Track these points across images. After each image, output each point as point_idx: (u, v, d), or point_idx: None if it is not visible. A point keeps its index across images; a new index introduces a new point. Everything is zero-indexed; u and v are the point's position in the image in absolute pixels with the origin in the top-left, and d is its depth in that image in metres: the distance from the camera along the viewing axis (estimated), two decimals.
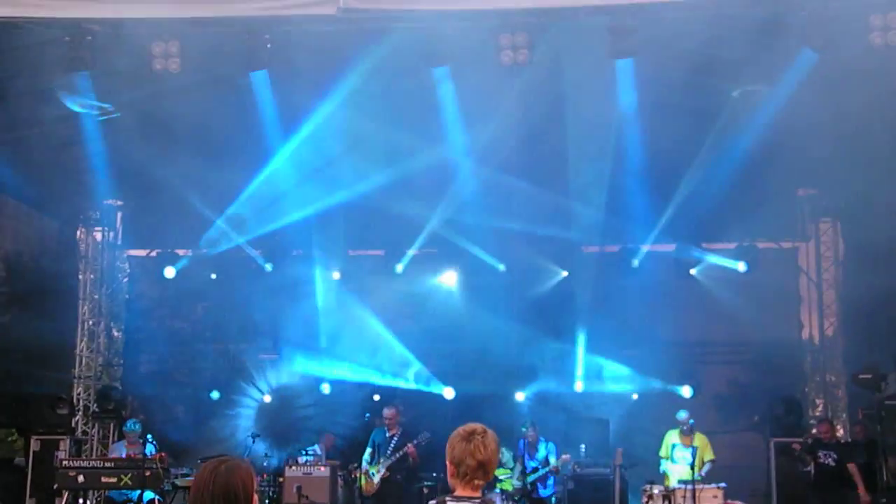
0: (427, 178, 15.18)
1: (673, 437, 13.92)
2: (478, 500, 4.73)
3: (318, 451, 15.13)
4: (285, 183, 15.02)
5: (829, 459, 13.36)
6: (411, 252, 17.18)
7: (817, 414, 17.06)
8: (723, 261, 16.75)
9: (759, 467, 15.71)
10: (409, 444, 13.85)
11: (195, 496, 4.30)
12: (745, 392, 17.46)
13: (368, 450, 14.18)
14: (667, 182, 15.28)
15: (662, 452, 13.93)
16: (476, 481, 4.75)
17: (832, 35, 11.44)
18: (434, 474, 14.14)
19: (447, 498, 4.79)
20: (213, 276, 17.48)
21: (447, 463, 4.80)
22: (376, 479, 13.91)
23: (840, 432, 16.71)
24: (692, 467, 13.04)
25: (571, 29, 11.61)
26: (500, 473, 14.75)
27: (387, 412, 14.38)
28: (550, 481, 14.36)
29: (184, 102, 13.20)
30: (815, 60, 11.90)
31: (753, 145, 13.81)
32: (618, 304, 16.65)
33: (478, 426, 4.81)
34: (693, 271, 17.08)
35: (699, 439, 13.80)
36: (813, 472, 13.56)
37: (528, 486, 14.13)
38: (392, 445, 13.99)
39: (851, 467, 13.29)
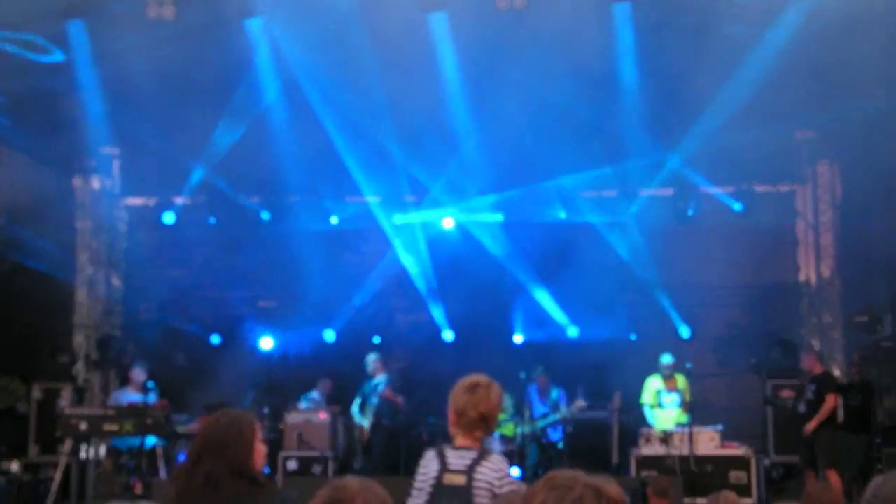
0: (425, 124, 15.16)
1: (656, 382, 14.01)
2: (476, 451, 4.77)
3: (317, 397, 15.24)
4: (280, 129, 14.97)
5: (810, 393, 13.17)
6: (412, 200, 17.18)
7: None
8: (726, 194, 16.72)
9: (756, 409, 15.83)
10: (385, 388, 14.04)
11: (200, 447, 4.36)
12: (742, 334, 17.51)
13: (357, 400, 14.33)
14: (664, 127, 15.22)
15: (647, 399, 14.00)
16: (477, 433, 4.81)
17: None
18: (432, 420, 14.25)
19: (446, 446, 4.84)
20: (213, 220, 17.45)
21: (450, 412, 4.85)
22: (366, 427, 14.09)
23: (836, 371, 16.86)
24: (681, 409, 13.18)
25: None
26: (499, 418, 14.88)
27: (369, 360, 14.51)
28: (560, 426, 14.53)
29: (179, 50, 13.12)
30: (815, 2, 11.88)
31: (751, 88, 13.77)
32: (615, 249, 16.70)
33: (482, 378, 4.86)
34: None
35: (682, 381, 13.91)
36: (803, 409, 13.53)
37: (539, 431, 14.29)
38: (377, 392, 14.17)
39: (828, 397, 12.87)
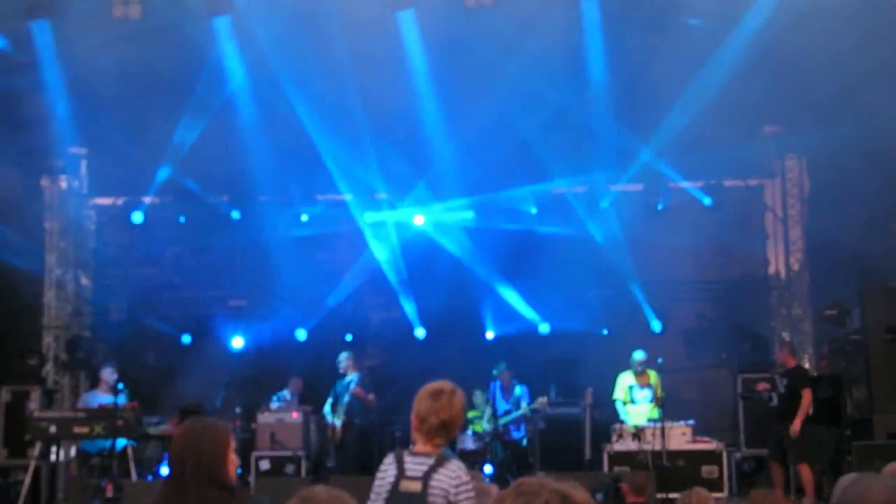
0: (394, 120, 15.16)
1: (628, 378, 14.03)
2: (434, 458, 4.76)
3: (288, 396, 15.20)
4: (249, 128, 14.93)
5: (781, 386, 13.12)
6: (383, 196, 17.17)
7: None
8: (695, 188, 16.79)
9: (727, 403, 15.92)
10: (355, 386, 14.05)
11: (173, 458, 4.35)
12: (713, 328, 17.60)
13: (329, 400, 14.31)
14: (634, 122, 15.28)
15: (620, 395, 14.03)
16: (437, 439, 4.80)
17: None
18: (404, 418, 14.23)
19: (405, 452, 4.84)
20: (182, 219, 17.37)
21: (412, 417, 4.84)
22: (338, 426, 14.08)
23: (806, 364, 16.99)
24: (653, 404, 13.23)
25: None
26: (472, 415, 14.92)
27: (340, 359, 14.51)
28: (522, 424, 14.55)
29: (146, 49, 13.04)
30: None
31: (719, 82, 13.84)
32: (586, 244, 16.73)
33: (447, 385, 4.85)
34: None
35: (654, 377, 13.95)
36: (774, 402, 13.58)
37: (500, 429, 14.29)
38: (349, 390, 14.17)
39: (804, 393, 12.78)
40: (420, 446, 4.85)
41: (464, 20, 12.28)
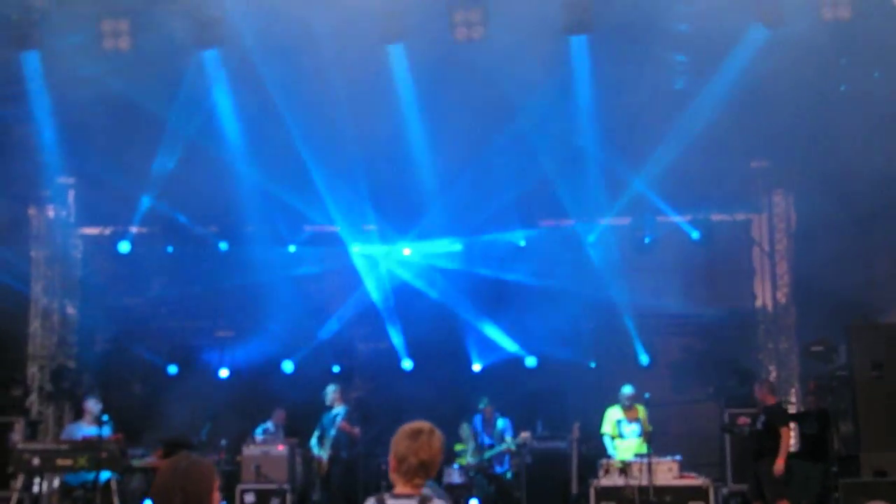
0: (384, 151, 15.19)
1: (616, 413, 13.97)
2: (417, 498, 4.74)
3: (272, 428, 15.12)
4: (236, 159, 14.95)
5: (759, 423, 13.03)
6: (371, 228, 17.17)
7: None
8: (683, 222, 16.82)
9: (714, 437, 15.90)
10: (342, 420, 13.99)
11: (157, 495, 4.31)
12: (700, 362, 17.61)
13: (316, 433, 14.24)
14: (622, 156, 15.33)
15: (608, 430, 13.98)
16: (416, 480, 4.76)
17: (783, 10, 11.57)
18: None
19: (386, 495, 4.81)
20: (170, 249, 17.36)
21: (390, 458, 4.83)
22: (325, 459, 14.01)
23: (792, 398, 17.00)
24: (646, 440, 13.17)
25: (526, 3, 11.62)
26: (459, 448, 14.87)
27: (328, 392, 14.46)
28: (506, 458, 14.50)
29: (135, 80, 13.06)
30: (767, 35, 12.04)
31: (707, 118, 13.92)
32: (573, 277, 16.74)
33: (425, 425, 4.82)
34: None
35: (641, 411, 13.92)
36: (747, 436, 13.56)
37: (485, 463, 14.24)
38: (335, 424, 14.10)
39: (783, 431, 12.65)
40: (400, 488, 4.82)
41: (453, 53, 12.31)
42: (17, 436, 14.79)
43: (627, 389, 13.94)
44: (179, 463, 4.42)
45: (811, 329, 16.10)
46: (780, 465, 12.47)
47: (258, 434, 14.84)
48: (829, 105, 13.24)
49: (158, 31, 11.78)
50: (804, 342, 16.18)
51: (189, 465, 4.40)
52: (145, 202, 16.36)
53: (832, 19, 11.65)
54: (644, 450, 13.28)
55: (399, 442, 4.80)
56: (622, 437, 13.79)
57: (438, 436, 4.82)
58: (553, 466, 14.44)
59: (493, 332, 17.22)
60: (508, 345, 17.18)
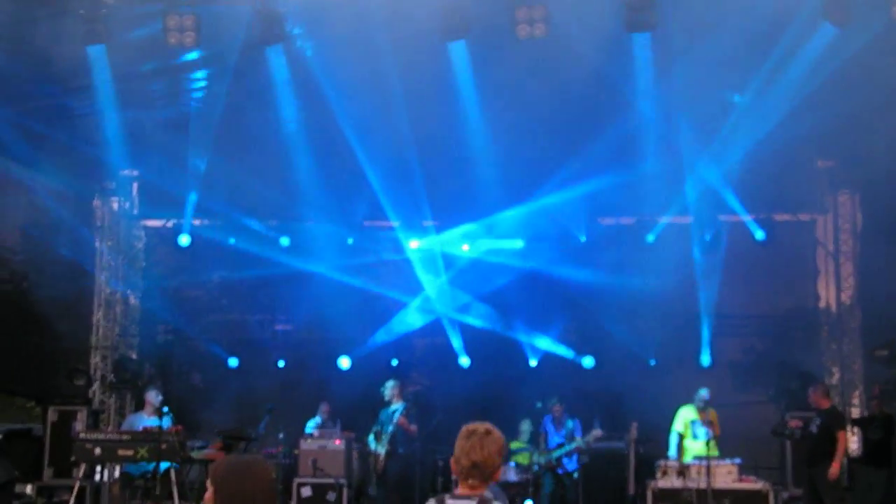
0: (443, 149, 15.19)
1: (689, 412, 13.84)
2: (476, 499, 4.68)
3: (320, 422, 15.19)
4: (298, 156, 15.03)
5: (814, 426, 12.87)
6: (430, 224, 17.17)
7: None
8: (748, 221, 16.58)
9: (774, 440, 15.67)
10: (400, 416, 14.00)
11: (219, 494, 4.27)
12: (761, 363, 17.42)
13: (374, 429, 14.28)
14: (684, 155, 15.16)
15: (680, 428, 13.86)
16: (471, 480, 4.70)
17: (851, 9, 11.36)
18: (447, 448, 14.16)
19: (446, 496, 4.77)
20: (232, 240, 17.52)
21: (452, 459, 4.79)
22: (381, 455, 14.03)
23: (855, 401, 16.74)
24: (707, 443, 13.03)
25: (588, 2, 11.53)
26: (515, 446, 14.84)
27: (386, 387, 14.47)
28: (575, 456, 14.46)
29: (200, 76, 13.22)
30: (834, 34, 11.83)
31: (773, 117, 13.73)
32: (633, 275, 16.61)
33: (481, 426, 4.74)
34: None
35: (713, 414, 13.79)
36: (798, 437, 13.36)
37: (554, 461, 14.22)
38: (393, 420, 14.12)
39: (839, 435, 12.47)
40: (460, 489, 4.78)
41: (515, 51, 12.24)
42: (79, 425, 15.00)
43: (704, 392, 13.80)
44: (236, 466, 4.38)
45: (876, 332, 15.84)
46: (835, 469, 12.28)
47: (309, 430, 14.89)
48: None
49: (222, 27, 11.83)
50: (869, 345, 15.93)
51: (246, 467, 4.36)
52: (206, 196, 16.48)
53: None
54: (715, 453, 13.17)
55: (457, 442, 4.77)
56: (695, 437, 13.64)
57: (495, 437, 4.73)
58: (610, 467, 14.35)
59: (552, 332, 17.15)
60: (566, 345, 17.11)
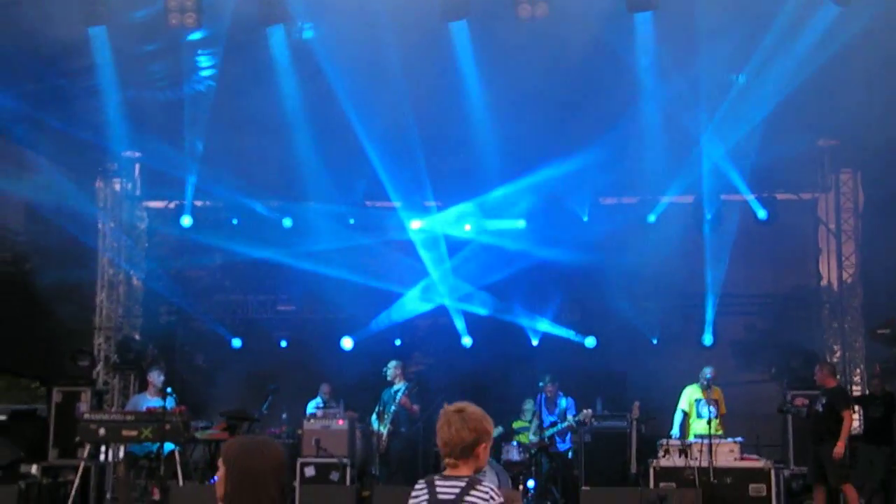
0: (445, 129, 15.17)
1: (695, 392, 13.86)
2: (465, 480, 4.67)
3: (321, 403, 15.23)
4: (299, 136, 15.03)
5: (819, 405, 12.89)
6: (432, 205, 17.16)
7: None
8: (751, 200, 16.55)
9: (776, 418, 15.71)
10: (402, 395, 14.05)
11: (231, 473, 4.27)
12: (764, 342, 17.45)
13: (377, 409, 14.33)
14: (685, 134, 15.15)
15: (685, 407, 13.89)
16: (448, 459, 4.70)
17: None
18: None
19: (436, 477, 4.77)
20: (235, 221, 17.54)
21: None
22: (384, 435, 14.10)
23: (856, 378, 16.78)
24: (709, 422, 13.08)
25: None
26: (518, 426, 14.89)
27: (389, 367, 14.50)
28: (568, 436, 14.50)
29: (203, 56, 13.20)
30: (837, 13, 11.82)
31: (774, 97, 13.72)
32: (635, 254, 16.61)
33: (457, 405, 4.73)
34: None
35: (718, 393, 13.82)
36: (804, 415, 13.40)
37: (546, 440, 14.25)
38: (395, 400, 14.17)
39: (845, 415, 12.52)
40: (448, 470, 4.80)
41: (517, 31, 12.22)
42: (84, 405, 15.07)
43: (709, 370, 13.82)
44: (250, 446, 4.39)
45: (878, 310, 15.87)
46: (840, 448, 12.33)
47: (310, 411, 14.93)
48: None
49: (223, 7, 11.83)
50: (870, 324, 15.96)
51: (259, 447, 4.38)
52: (208, 177, 16.49)
53: None
54: (720, 431, 13.22)
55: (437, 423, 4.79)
56: (699, 416, 13.67)
57: (466, 415, 4.67)
58: (612, 445, 14.36)
59: (553, 312, 17.19)
60: (567, 327, 17.16)
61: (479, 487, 4.64)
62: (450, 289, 17.35)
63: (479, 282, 17.24)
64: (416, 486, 4.80)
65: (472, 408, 4.72)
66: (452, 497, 4.63)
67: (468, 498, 4.61)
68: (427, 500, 4.69)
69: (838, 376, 14.55)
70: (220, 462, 4.31)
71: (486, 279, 17.18)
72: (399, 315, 17.54)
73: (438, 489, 4.68)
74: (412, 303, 17.57)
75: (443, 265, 17.32)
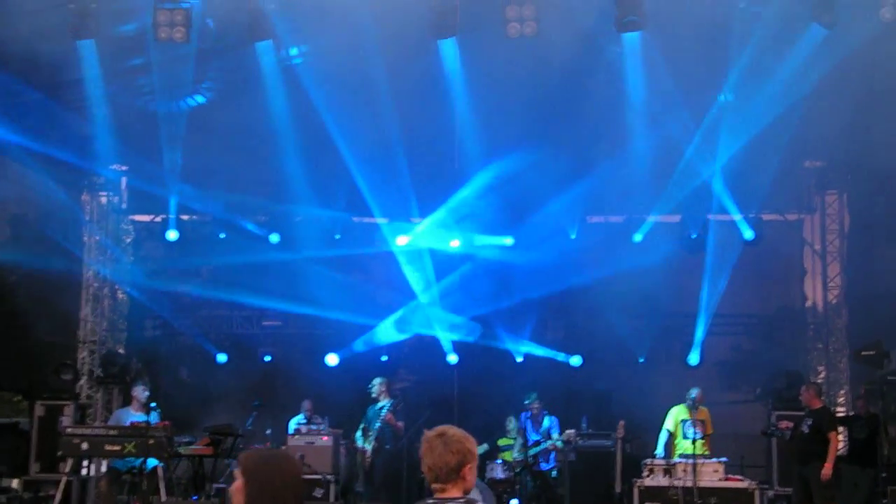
0: (431, 145, 15.20)
1: (681, 413, 13.85)
2: (461, 501, 4.69)
3: (303, 420, 15.17)
4: (286, 153, 15.03)
5: (805, 426, 12.82)
6: (417, 221, 17.14)
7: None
8: (738, 220, 16.56)
9: (761, 439, 15.73)
10: (387, 412, 14.02)
11: (251, 485, 4.22)
12: (749, 363, 17.49)
13: (361, 426, 14.30)
14: (672, 154, 15.20)
15: (671, 427, 13.87)
16: (435, 485, 4.72)
17: (842, 11, 11.43)
18: None
19: (430, 501, 4.78)
20: (223, 235, 17.52)
21: None
22: (368, 451, 14.06)
23: (841, 399, 16.81)
24: (693, 443, 13.06)
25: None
26: (503, 443, 14.86)
27: (374, 384, 14.47)
28: (551, 455, 14.47)
29: (191, 71, 13.20)
30: (824, 35, 11.90)
31: (762, 117, 13.79)
32: (622, 274, 16.61)
33: (438, 429, 4.74)
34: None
35: (704, 413, 13.81)
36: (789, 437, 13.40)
37: (530, 459, 14.23)
38: (380, 416, 14.13)
39: (831, 436, 12.46)
40: (437, 494, 4.80)
41: (505, 49, 12.27)
42: (66, 419, 14.99)
43: (695, 391, 13.82)
44: (275, 460, 4.36)
45: (862, 331, 15.92)
46: (828, 469, 12.31)
47: (291, 429, 14.86)
48: (885, 105, 13.04)
49: (213, 22, 11.85)
50: (855, 345, 16.00)
51: (282, 461, 4.36)
52: (195, 191, 16.47)
53: (891, 20, 11.48)
54: (706, 452, 13.22)
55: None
56: (685, 437, 13.66)
57: (447, 438, 4.69)
58: (597, 465, 14.36)
59: (539, 333, 17.19)
60: (554, 347, 17.15)
61: None
62: (437, 320, 17.32)
63: (467, 311, 17.18)
64: None
65: (452, 430, 4.72)
66: None
67: None
68: None
69: (823, 397, 14.56)
70: (237, 473, 4.27)
71: (473, 309, 17.12)
72: (384, 338, 17.48)
73: None
74: (397, 327, 17.52)
75: (429, 289, 17.26)
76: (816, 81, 12.76)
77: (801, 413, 13.39)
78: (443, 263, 17.45)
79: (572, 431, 14.06)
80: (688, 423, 13.69)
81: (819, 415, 12.77)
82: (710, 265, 16.78)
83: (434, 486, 4.70)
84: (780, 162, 15.40)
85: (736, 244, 16.81)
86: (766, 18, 12.08)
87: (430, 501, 4.76)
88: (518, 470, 14.06)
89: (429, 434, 4.72)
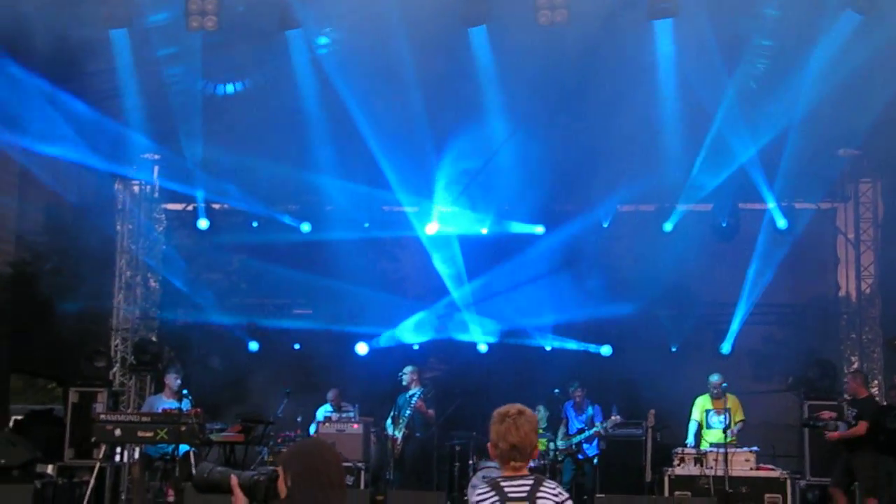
0: (462, 135, 15.18)
1: (705, 402, 13.82)
2: (532, 478, 4.79)
3: (331, 409, 15.21)
4: (318, 142, 15.04)
5: (851, 417, 12.76)
6: (444, 209, 17.11)
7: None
8: (772, 209, 16.43)
9: (793, 428, 15.66)
10: (418, 400, 14.06)
11: (287, 472, 4.24)
12: (780, 353, 17.38)
13: (392, 413, 14.35)
14: (705, 142, 15.09)
15: (697, 417, 13.84)
16: (513, 462, 4.81)
17: None
18: (473, 433, 14.18)
19: (500, 479, 4.85)
20: (255, 224, 17.59)
21: (489, 443, 4.89)
22: (399, 439, 14.11)
23: (874, 390, 16.65)
24: (724, 431, 13.02)
25: None
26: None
27: (405, 372, 14.51)
28: (595, 441, 14.49)
29: (223, 60, 13.25)
30: (858, 21, 11.78)
31: (796, 106, 13.68)
32: (653, 262, 16.56)
33: (513, 407, 4.85)
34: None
35: (731, 401, 13.72)
36: (843, 429, 13.28)
37: (574, 446, 14.29)
38: (411, 404, 14.18)
39: (861, 424, 12.40)
40: (505, 471, 4.88)
41: (536, 37, 12.22)
42: (100, 406, 15.13)
43: (714, 378, 13.74)
44: (325, 449, 4.39)
45: None
46: (833, 436, 12.57)
47: (320, 417, 14.90)
48: None
49: (244, 11, 11.88)
50: (888, 335, 15.88)
51: (328, 449, 4.39)
52: (226, 180, 16.55)
53: None
54: (729, 439, 13.15)
55: (492, 427, 4.88)
56: (709, 426, 13.60)
57: (528, 417, 4.84)
58: (627, 454, 14.34)
59: (571, 318, 17.13)
60: (584, 335, 17.13)
61: (546, 483, 4.81)
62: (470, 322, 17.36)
63: (504, 322, 17.20)
64: (479, 491, 4.88)
65: (527, 409, 4.85)
66: (524, 494, 4.77)
67: (539, 494, 4.72)
68: (499, 501, 4.76)
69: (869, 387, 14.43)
70: (279, 469, 4.29)
71: (510, 322, 17.12)
72: (412, 338, 17.52)
73: (507, 489, 4.80)
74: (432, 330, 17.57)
75: (461, 285, 17.21)
76: (851, 69, 12.63)
77: (833, 403, 13.31)
78: (473, 251, 17.42)
79: (617, 417, 14.08)
80: (711, 412, 13.66)
81: (864, 404, 12.71)
82: (740, 254, 16.70)
83: (513, 463, 4.78)
84: (814, 150, 15.29)
85: (769, 233, 16.70)
86: (799, 4, 11.96)
87: (499, 479, 4.82)
88: (562, 457, 14.12)
89: (509, 412, 4.83)
